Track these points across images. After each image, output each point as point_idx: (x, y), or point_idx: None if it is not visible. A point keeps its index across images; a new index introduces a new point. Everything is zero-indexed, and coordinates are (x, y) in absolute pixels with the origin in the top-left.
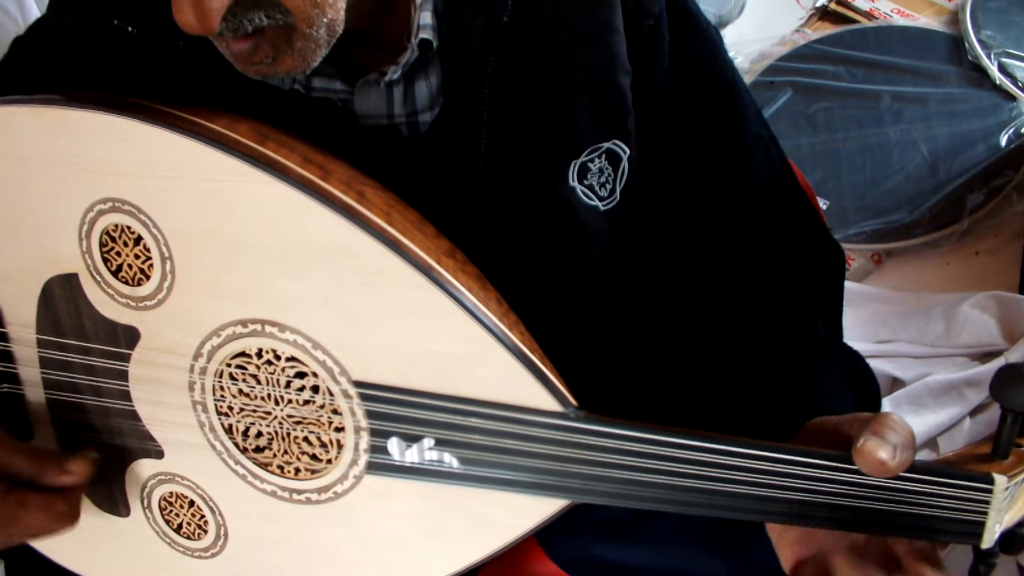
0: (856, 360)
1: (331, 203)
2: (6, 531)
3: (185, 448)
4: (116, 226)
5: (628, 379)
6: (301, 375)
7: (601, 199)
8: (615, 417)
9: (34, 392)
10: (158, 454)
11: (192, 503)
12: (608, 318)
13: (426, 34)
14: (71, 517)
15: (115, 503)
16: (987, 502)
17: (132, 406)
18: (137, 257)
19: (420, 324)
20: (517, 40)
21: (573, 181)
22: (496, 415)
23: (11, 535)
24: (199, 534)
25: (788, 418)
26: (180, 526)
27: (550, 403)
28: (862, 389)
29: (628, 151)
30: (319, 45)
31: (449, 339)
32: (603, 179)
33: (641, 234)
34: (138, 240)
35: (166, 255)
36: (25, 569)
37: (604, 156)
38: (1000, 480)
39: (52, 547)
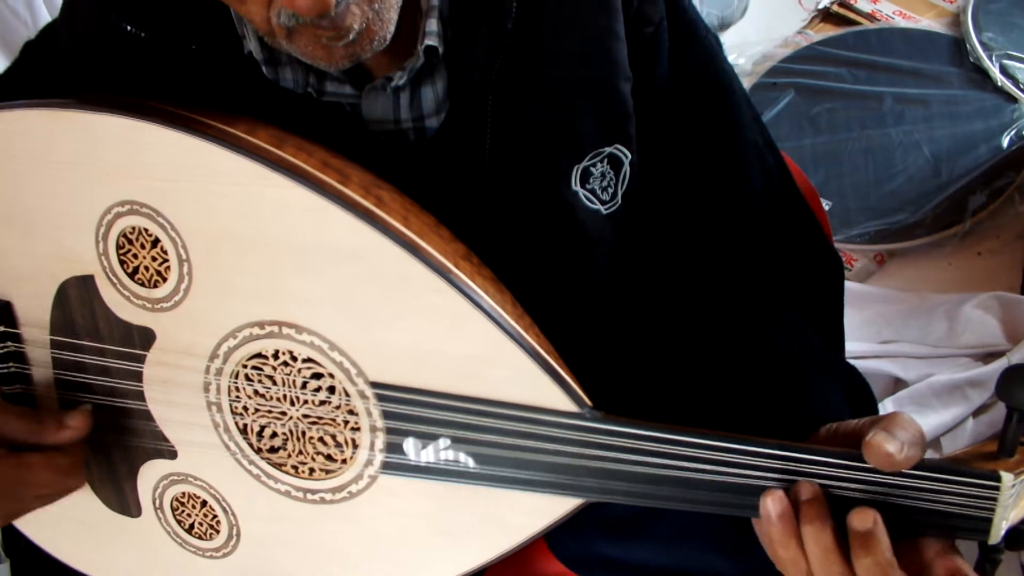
0: (851, 374)
1: (351, 207)
2: (14, 495)
3: (199, 448)
4: (133, 228)
5: (633, 380)
6: (317, 376)
7: (603, 203)
8: (630, 417)
9: (46, 393)
10: (171, 454)
11: (204, 503)
12: (612, 320)
13: (432, 40)
14: (75, 474)
15: (126, 503)
16: (994, 499)
17: (146, 407)
18: (154, 259)
19: (438, 326)
20: (521, 46)
21: (576, 185)
22: (512, 415)
23: (20, 499)
24: (211, 534)
25: (784, 428)
26: (192, 526)
27: (566, 403)
28: (858, 402)
29: (629, 155)
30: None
31: (466, 341)
32: (605, 183)
33: (643, 238)
34: (155, 242)
35: (183, 257)
36: (31, 570)
37: (606, 160)
38: (1007, 477)
39: (60, 546)
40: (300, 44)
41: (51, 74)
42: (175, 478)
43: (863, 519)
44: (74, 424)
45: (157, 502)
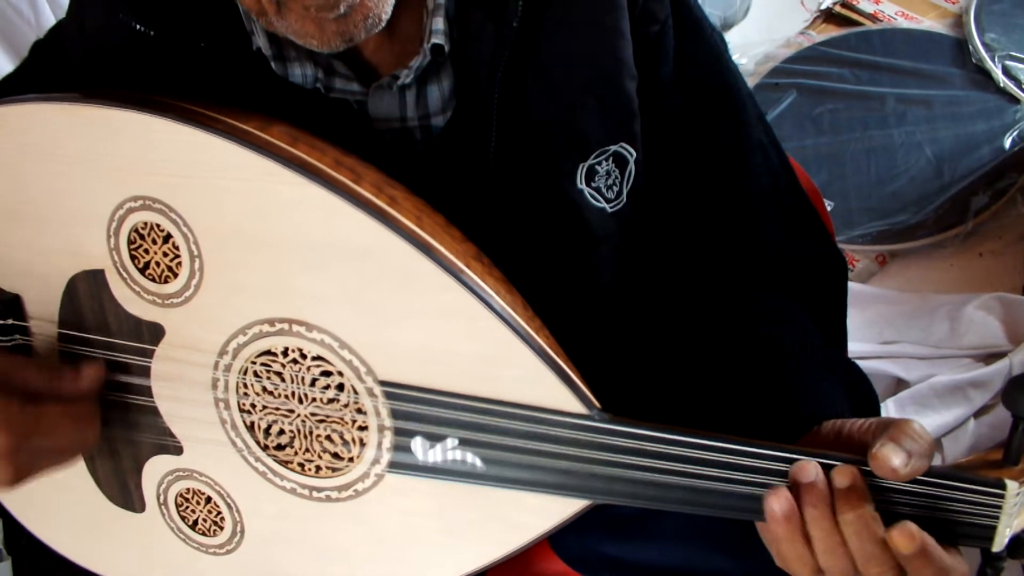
0: (853, 370)
1: (364, 206)
2: (31, 442)
3: (205, 445)
4: (146, 224)
5: (639, 379)
6: (326, 374)
7: (608, 201)
8: (637, 419)
9: None
10: (177, 450)
11: (209, 500)
12: (617, 319)
13: (438, 39)
14: (92, 425)
15: (130, 499)
16: (999, 507)
17: (153, 402)
18: (165, 255)
19: (448, 325)
20: (527, 44)
21: (581, 183)
22: (521, 416)
23: (38, 451)
24: (215, 531)
25: (785, 425)
26: (196, 523)
27: (574, 405)
28: (859, 399)
29: (634, 154)
30: None
31: (477, 340)
32: (610, 181)
33: (648, 236)
34: (167, 238)
35: (195, 253)
36: (32, 566)
37: (611, 159)
38: (1011, 485)
39: (62, 541)
40: (291, 19)
41: (60, 73)
42: (180, 474)
43: (844, 475)
44: (89, 373)
45: (161, 498)
